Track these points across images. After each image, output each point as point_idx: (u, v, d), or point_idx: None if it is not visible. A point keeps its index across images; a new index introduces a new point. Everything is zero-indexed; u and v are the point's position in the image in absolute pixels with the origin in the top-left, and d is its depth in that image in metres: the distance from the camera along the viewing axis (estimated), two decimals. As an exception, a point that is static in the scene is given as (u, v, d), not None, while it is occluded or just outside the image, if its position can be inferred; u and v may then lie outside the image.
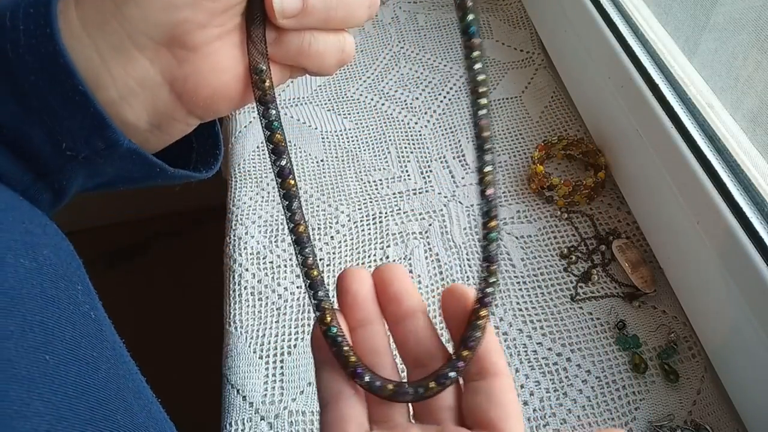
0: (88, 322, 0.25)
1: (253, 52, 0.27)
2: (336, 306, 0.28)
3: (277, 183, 0.27)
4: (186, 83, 0.27)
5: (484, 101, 0.25)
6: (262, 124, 0.27)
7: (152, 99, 0.27)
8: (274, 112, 0.27)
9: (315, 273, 0.27)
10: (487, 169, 0.26)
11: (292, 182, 0.27)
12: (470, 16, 0.25)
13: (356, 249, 0.62)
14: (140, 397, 0.26)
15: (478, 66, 0.25)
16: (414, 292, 0.28)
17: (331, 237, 0.63)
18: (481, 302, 0.27)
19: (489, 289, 0.27)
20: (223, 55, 0.27)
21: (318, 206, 0.65)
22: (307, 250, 0.27)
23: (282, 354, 0.55)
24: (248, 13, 0.27)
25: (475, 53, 0.25)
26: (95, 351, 0.24)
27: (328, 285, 0.59)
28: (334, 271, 0.60)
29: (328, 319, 0.27)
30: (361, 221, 0.64)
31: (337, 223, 0.64)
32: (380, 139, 0.72)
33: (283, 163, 0.27)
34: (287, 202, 0.27)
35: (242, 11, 0.27)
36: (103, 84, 0.26)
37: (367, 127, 0.73)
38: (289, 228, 0.28)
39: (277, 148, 0.27)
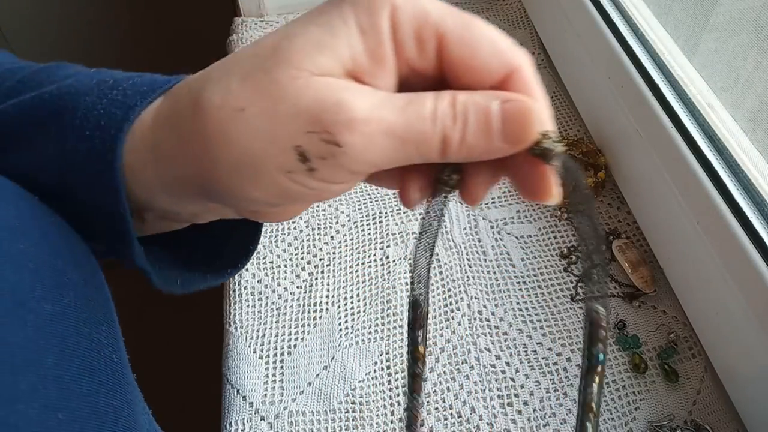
0: (109, 368, 0.23)
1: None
2: None
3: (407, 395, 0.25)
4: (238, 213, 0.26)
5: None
6: (408, 349, 0.25)
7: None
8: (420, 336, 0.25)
9: None
10: None
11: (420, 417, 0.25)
12: (599, 347, 0.21)
13: (356, 249, 0.62)
14: None
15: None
16: None
17: (331, 237, 0.63)
18: None
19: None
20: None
21: (318, 206, 0.65)
22: None
23: (282, 354, 0.55)
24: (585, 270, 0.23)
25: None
26: (115, 400, 0.23)
27: (329, 285, 0.59)
28: (334, 270, 0.60)
29: None
30: (361, 221, 0.64)
31: (337, 223, 0.64)
32: (380, 139, 0.72)
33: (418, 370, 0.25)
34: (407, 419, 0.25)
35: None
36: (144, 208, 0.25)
37: (367, 127, 0.73)
38: None
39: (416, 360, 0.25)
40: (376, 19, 0.21)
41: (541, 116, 0.22)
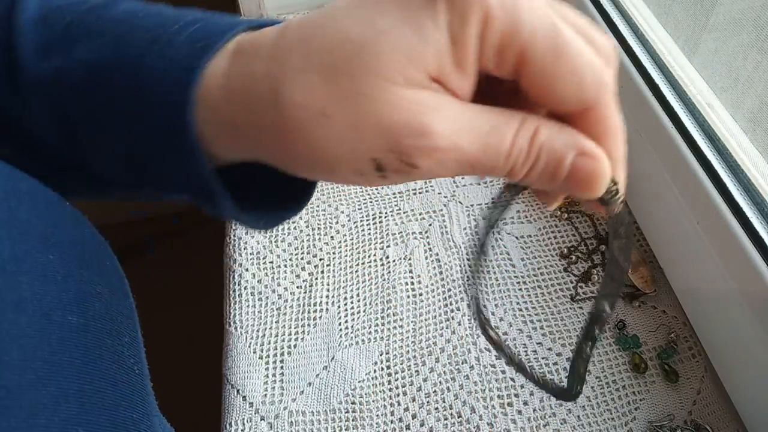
0: (131, 380, 0.23)
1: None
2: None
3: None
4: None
5: None
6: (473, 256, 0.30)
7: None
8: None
9: None
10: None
11: None
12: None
13: (356, 249, 0.62)
14: None
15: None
16: None
17: (331, 237, 0.63)
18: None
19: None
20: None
21: (318, 206, 0.65)
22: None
23: (282, 354, 0.55)
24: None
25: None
26: (135, 412, 0.23)
27: (329, 285, 0.59)
28: (334, 270, 0.60)
29: None
30: (361, 221, 0.64)
31: (337, 223, 0.64)
32: (380, 139, 0.72)
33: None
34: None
35: None
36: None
37: (367, 127, 0.73)
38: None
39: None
40: (467, 26, 0.20)
41: (608, 174, 0.22)
